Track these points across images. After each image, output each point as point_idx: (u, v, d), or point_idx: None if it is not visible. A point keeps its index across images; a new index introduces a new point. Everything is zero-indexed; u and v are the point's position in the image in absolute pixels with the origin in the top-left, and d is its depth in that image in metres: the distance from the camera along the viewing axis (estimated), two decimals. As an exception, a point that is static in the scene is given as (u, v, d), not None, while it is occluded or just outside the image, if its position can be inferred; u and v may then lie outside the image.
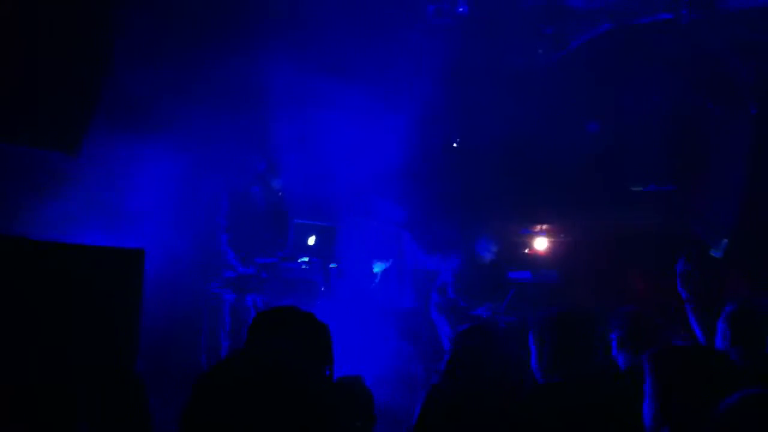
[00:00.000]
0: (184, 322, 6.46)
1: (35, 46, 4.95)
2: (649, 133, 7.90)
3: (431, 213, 8.44)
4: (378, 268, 7.57)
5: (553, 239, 8.94)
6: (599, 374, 3.65)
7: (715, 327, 4.10)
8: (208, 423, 1.82)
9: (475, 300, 7.53)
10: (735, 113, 7.64)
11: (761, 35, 7.34)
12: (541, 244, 8.95)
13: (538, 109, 8.56)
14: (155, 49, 6.36)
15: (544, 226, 9.02)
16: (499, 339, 3.99)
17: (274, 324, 3.09)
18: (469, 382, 3.75)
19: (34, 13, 4.88)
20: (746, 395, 2.00)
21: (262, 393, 1.80)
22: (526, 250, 8.96)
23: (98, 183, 6.03)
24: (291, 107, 7.22)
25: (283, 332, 3.01)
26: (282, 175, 6.77)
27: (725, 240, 7.75)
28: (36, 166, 5.57)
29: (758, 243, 7.30)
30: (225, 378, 1.86)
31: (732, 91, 7.67)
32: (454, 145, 9.06)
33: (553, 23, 8.44)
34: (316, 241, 6.70)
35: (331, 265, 6.90)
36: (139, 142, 6.17)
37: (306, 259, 6.69)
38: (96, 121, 5.26)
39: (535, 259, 8.79)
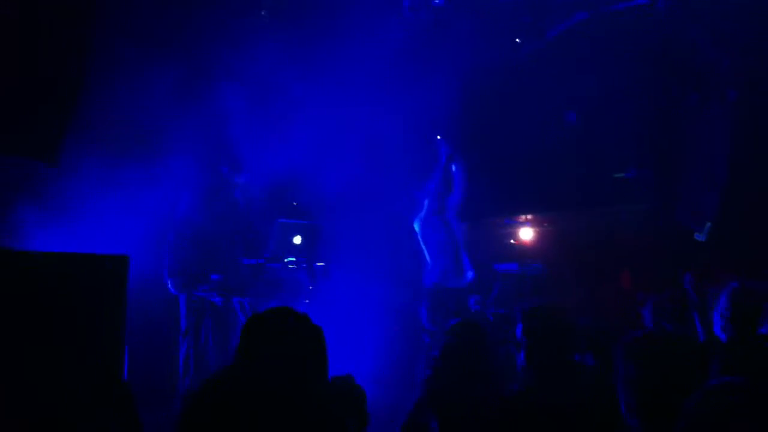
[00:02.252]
0: (164, 329, 6.37)
1: (12, 55, 4.88)
2: (630, 120, 7.91)
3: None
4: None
5: (537, 229, 8.94)
6: (576, 369, 3.67)
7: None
8: None
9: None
10: (713, 99, 7.67)
11: (736, 22, 7.37)
12: (526, 234, 8.95)
13: (518, 100, 8.55)
14: (114, 53, 6.26)
15: (529, 217, 9.02)
16: (488, 335, 3.99)
17: (269, 328, 3.02)
18: (459, 379, 3.75)
19: (11, 21, 4.81)
20: (711, 387, 1.98)
21: (262, 407, 1.75)
22: (512, 241, 8.95)
23: (72, 191, 5.93)
24: (263, 104, 7.14)
25: (278, 337, 2.95)
26: (247, 175, 6.65)
27: (708, 224, 7.78)
28: (6, 174, 5.50)
29: (741, 227, 7.34)
30: (222, 394, 1.80)
31: (710, 77, 7.69)
32: (438, 137, 9.02)
33: (529, 13, 8.42)
34: (301, 240, 6.64)
35: (318, 264, 6.85)
36: (111, 149, 6.08)
37: (292, 258, 6.63)
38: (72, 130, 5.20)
39: (521, 249, 8.79)
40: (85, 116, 5.39)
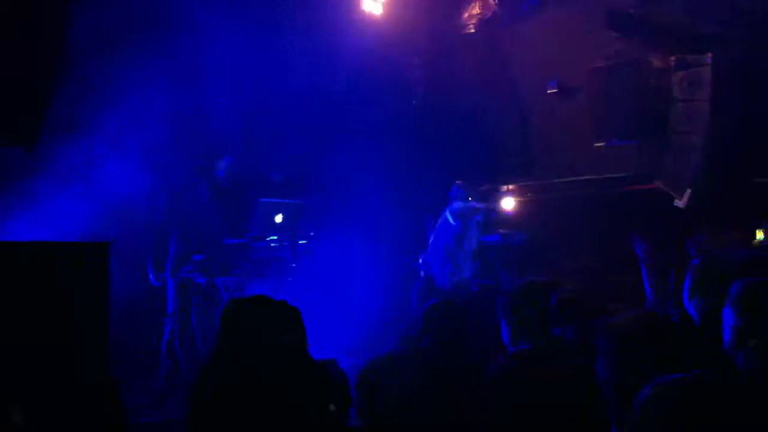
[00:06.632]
0: (143, 312, 6.40)
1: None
2: (611, 88, 7.92)
3: (396, 178, 8.37)
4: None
5: (520, 199, 8.94)
6: (558, 345, 3.71)
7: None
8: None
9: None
10: (693, 64, 7.65)
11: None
12: (508, 204, 8.95)
13: (501, 70, 8.54)
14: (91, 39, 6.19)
15: (511, 186, 9.02)
16: (467, 314, 4.00)
17: (247, 314, 3.06)
18: (436, 358, 3.77)
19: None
20: (656, 385, 2.01)
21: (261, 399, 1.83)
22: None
23: (46, 180, 5.91)
24: (240, 90, 7.10)
25: (257, 323, 2.99)
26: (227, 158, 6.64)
27: (689, 191, 7.81)
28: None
29: (721, 194, 7.38)
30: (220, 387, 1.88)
31: (691, 41, 7.68)
32: (413, 102, 8.98)
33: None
34: (283, 218, 6.66)
35: (300, 242, 6.87)
36: (87, 135, 6.06)
37: (275, 237, 6.66)
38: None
39: (504, 219, 8.80)
40: (60, 103, 5.35)
